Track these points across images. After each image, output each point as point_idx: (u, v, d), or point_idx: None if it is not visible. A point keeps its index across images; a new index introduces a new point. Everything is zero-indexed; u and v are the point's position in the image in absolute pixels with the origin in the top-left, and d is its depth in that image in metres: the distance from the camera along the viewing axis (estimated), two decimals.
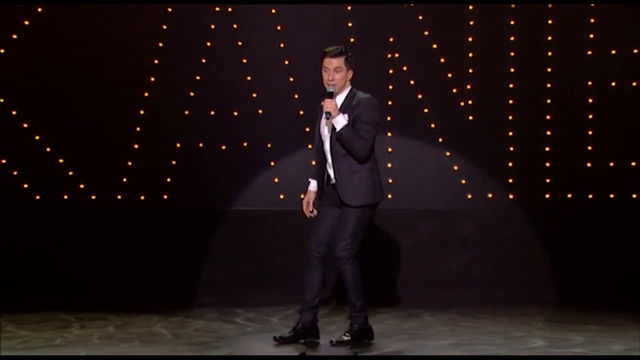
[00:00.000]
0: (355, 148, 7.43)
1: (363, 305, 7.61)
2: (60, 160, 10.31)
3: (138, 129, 10.35)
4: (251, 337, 8.06)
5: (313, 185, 7.77)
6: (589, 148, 10.25)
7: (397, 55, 10.39)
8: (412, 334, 8.07)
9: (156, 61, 10.36)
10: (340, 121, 7.43)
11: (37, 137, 10.28)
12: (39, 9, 10.21)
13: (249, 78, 10.37)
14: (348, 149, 7.44)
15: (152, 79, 10.35)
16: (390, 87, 10.40)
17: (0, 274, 10.04)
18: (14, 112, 10.27)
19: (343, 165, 7.47)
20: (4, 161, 10.26)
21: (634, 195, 10.15)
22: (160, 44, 10.36)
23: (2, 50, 10.22)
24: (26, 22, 10.23)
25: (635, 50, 10.16)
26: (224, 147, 10.40)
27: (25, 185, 10.30)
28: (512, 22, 10.36)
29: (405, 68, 10.38)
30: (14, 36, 10.23)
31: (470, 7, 10.33)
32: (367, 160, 7.49)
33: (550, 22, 10.30)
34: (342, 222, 7.49)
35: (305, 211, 7.74)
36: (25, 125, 10.27)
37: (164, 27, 10.36)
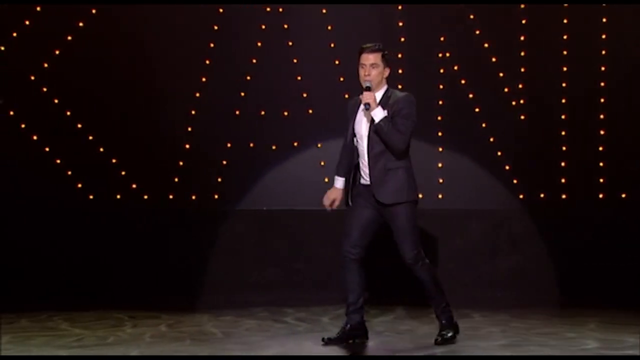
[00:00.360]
0: (394, 140, 7.41)
1: (446, 303, 7.63)
2: (114, 161, 10.43)
3: (189, 129, 10.43)
4: (301, 336, 8.08)
5: (340, 183, 7.70)
6: None
7: (447, 54, 10.34)
8: (462, 334, 8.00)
9: (207, 61, 10.42)
10: (379, 113, 7.43)
11: (90, 138, 10.40)
12: (93, 10, 10.33)
13: (299, 78, 10.40)
14: (387, 141, 7.42)
15: (204, 79, 10.42)
16: (441, 86, 10.36)
17: (55, 273, 10.18)
18: (68, 113, 10.40)
19: (379, 164, 7.44)
20: (58, 161, 10.39)
21: None
22: (212, 45, 10.42)
23: (58, 52, 10.35)
24: (80, 24, 10.35)
25: None
26: (274, 147, 10.44)
27: (79, 185, 10.42)
28: (564, 21, 10.26)
29: (456, 67, 10.33)
30: (69, 37, 10.36)
31: (522, 6, 10.25)
32: (403, 156, 7.48)
33: (604, 20, 10.19)
34: (395, 227, 7.48)
35: (326, 205, 7.70)
36: (79, 126, 10.40)
37: (215, 27, 10.42)
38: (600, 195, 10.22)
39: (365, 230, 7.55)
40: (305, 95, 10.38)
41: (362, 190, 7.56)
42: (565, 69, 10.27)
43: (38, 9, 10.28)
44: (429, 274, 7.56)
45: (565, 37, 10.28)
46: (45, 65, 10.34)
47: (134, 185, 10.45)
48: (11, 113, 10.34)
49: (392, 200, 7.44)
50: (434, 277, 7.59)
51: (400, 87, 10.22)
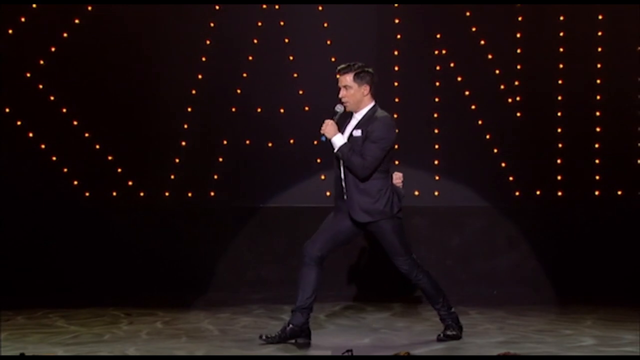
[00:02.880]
0: (354, 168, 7.33)
1: (449, 308, 7.62)
2: (110, 158, 10.41)
3: (185, 126, 10.43)
4: None
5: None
6: None
7: (444, 52, 10.35)
8: None
9: (203, 59, 10.41)
10: (338, 141, 7.37)
11: (86, 135, 10.39)
12: (89, 8, 10.31)
13: (295, 75, 10.39)
14: (348, 168, 7.37)
15: (200, 76, 10.41)
16: (438, 83, 10.36)
17: (51, 270, 10.17)
18: (64, 110, 10.38)
19: (352, 182, 7.39)
20: (54, 159, 10.38)
21: None
22: (208, 42, 10.42)
23: (53, 49, 10.34)
24: (76, 21, 10.34)
25: None
26: (270, 144, 10.43)
27: (75, 183, 10.41)
28: (560, 18, 10.27)
29: (452, 65, 10.33)
30: (65, 35, 10.34)
31: (518, 5, 10.26)
32: (368, 179, 7.34)
33: (600, 17, 10.19)
34: (383, 242, 7.47)
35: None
36: (75, 123, 10.38)
37: (212, 24, 10.41)
38: (596, 193, 10.24)
39: (334, 238, 7.50)
40: (301, 92, 10.38)
41: (342, 206, 7.50)
42: (561, 66, 10.29)
43: (34, 6, 10.26)
44: (426, 281, 7.55)
45: (561, 34, 10.29)
46: (41, 62, 10.33)
47: (130, 183, 10.44)
48: (7, 110, 10.32)
49: (365, 219, 7.40)
50: (431, 282, 7.58)
51: (396, 84, 10.31)
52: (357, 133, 7.39)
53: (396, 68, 10.37)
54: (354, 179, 7.37)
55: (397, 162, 10.04)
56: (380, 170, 7.37)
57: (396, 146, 9.99)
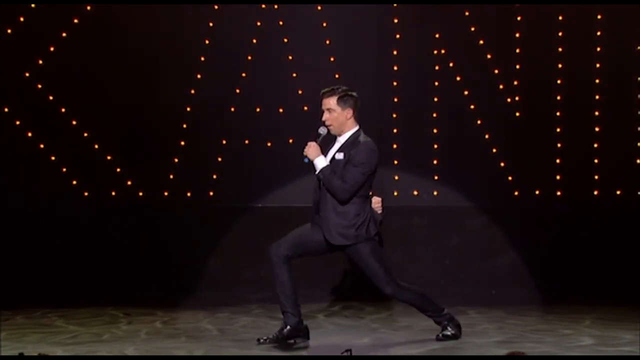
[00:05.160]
0: (334, 190, 7.33)
1: (440, 311, 7.62)
2: (109, 157, 10.41)
3: (184, 125, 10.42)
4: None
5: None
6: (639, 145, 10.14)
7: (443, 51, 10.34)
8: None
9: (202, 58, 10.41)
10: (320, 163, 7.39)
11: (85, 135, 10.39)
12: (88, 7, 10.30)
13: (294, 75, 10.39)
14: (328, 190, 7.37)
15: (199, 76, 10.41)
16: (436, 83, 10.36)
17: (50, 270, 10.16)
18: (63, 110, 10.38)
19: (329, 203, 7.39)
20: (53, 158, 10.37)
21: None
22: (207, 41, 10.41)
23: (52, 49, 10.33)
24: (75, 21, 10.33)
25: None
26: (269, 144, 10.43)
27: (74, 182, 10.41)
28: (559, 18, 10.27)
29: (451, 64, 10.33)
30: (64, 34, 10.34)
31: (517, 5, 10.26)
32: (347, 202, 7.34)
33: (599, 17, 10.19)
34: (362, 266, 7.46)
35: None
36: (74, 123, 10.38)
37: (211, 24, 10.41)
38: (595, 192, 10.24)
39: (302, 244, 7.49)
40: (300, 92, 10.37)
41: (319, 222, 7.48)
42: (560, 66, 10.28)
43: (33, 6, 10.25)
44: (411, 296, 7.57)
45: (560, 34, 10.28)
46: (40, 62, 10.32)
47: (129, 182, 10.44)
48: (6, 110, 10.32)
49: (339, 242, 7.40)
50: (416, 295, 7.58)
51: (395, 84, 10.31)
52: (340, 156, 7.40)
53: (395, 68, 10.37)
54: (333, 201, 7.38)
55: (396, 162, 10.08)
56: (359, 195, 7.38)
57: (395, 146, 10.12)
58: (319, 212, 7.46)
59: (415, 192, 10.27)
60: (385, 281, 7.46)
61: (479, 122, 10.32)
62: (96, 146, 10.40)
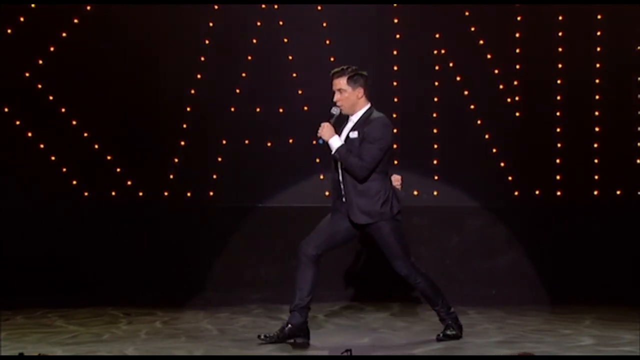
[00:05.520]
0: (352, 168, 7.34)
1: (448, 308, 7.62)
2: (109, 157, 10.41)
3: (184, 125, 10.42)
4: None
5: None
6: (639, 145, 10.14)
7: (443, 51, 10.34)
8: None
9: (202, 58, 10.41)
10: (335, 143, 7.38)
11: (85, 134, 10.39)
12: (88, 7, 10.30)
13: (294, 75, 10.39)
14: (346, 170, 7.38)
15: (199, 76, 10.41)
16: (437, 83, 10.36)
17: (50, 270, 10.16)
18: (63, 110, 10.38)
19: (350, 184, 7.39)
20: (53, 158, 10.38)
21: None
22: (207, 41, 10.41)
23: (52, 49, 10.33)
24: (75, 21, 10.33)
25: None
26: (269, 144, 10.43)
27: (74, 182, 10.41)
28: (559, 18, 10.27)
29: (451, 64, 10.33)
30: (64, 34, 10.34)
31: (517, 5, 10.26)
32: (366, 180, 7.35)
33: (599, 17, 10.19)
34: (382, 244, 7.46)
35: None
36: (74, 123, 10.38)
37: (210, 24, 10.41)
38: (595, 192, 10.24)
39: (331, 239, 7.50)
40: (300, 92, 10.37)
41: (341, 207, 7.50)
42: (560, 66, 10.28)
43: (33, 6, 10.25)
44: (425, 284, 7.56)
45: (560, 34, 10.28)
46: (40, 62, 10.32)
47: (129, 182, 10.44)
48: (6, 110, 10.32)
49: (363, 220, 7.40)
50: (430, 284, 7.58)
51: (395, 84, 10.31)
52: (354, 135, 7.40)
53: (395, 68, 10.37)
54: (353, 181, 7.38)
55: (396, 162, 10.05)
56: (378, 172, 7.38)
57: (395, 146, 10.08)
58: (341, 196, 7.44)
59: (415, 192, 10.27)
60: (402, 261, 7.46)
61: (479, 122, 10.32)
62: (96, 146, 10.40)
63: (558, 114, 10.30)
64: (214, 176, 10.46)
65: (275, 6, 10.38)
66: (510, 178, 10.32)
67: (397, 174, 7.62)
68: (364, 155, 7.32)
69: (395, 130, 10.16)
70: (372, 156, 7.32)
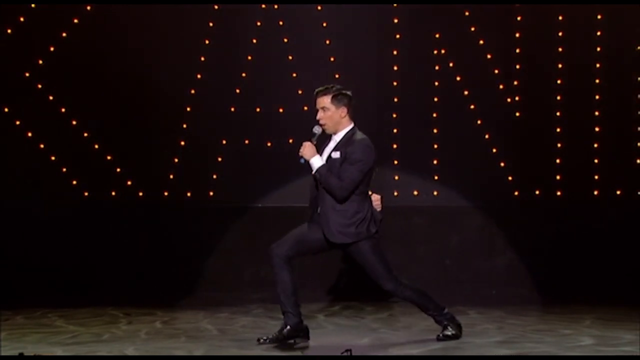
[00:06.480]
0: (331, 189, 7.31)
1: (441, 310, 7.61)
2: (109, 157, 10.41)
3: (184, 125, 10.43)
4: None
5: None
6: (639, 145, 10.14)
7: (443, 51, 10.34)
8: None
9: (202, 58, 10.41)
10: (316, 163, 7.37)
11: (85, 134, 10.39)
12: (88, 7, 10.31)
13: (294, 75, 10.39)
14: (326, 189, 7.36)
15: (199, 76, 10.41)
16: (437, 83, 10.36)
17: (50, 270, 10.16)
18: (63, 110, 10.38)
19: (327, 201, 7.37)
20: (53, 158, 10.38)
21: None
22: (207, 41, 10.41)
23: (52, 49, 10.33)
24: (75, 21, 10.34)
25: None
26: (269, 144, 10.44)
27: (74, 182, 10.41)
28: (559, 18, 10.27)
29: (451, 64, 10.33)
30: (64, 34, 10.34)
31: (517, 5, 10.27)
32: (345, 201, 7.32)
33: (599, 17, 10.20)
34: (363, 263, 7.45)
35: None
36: (74, 123, 10.38)
37: (211, 24, 10.41)
38: (595, 192, 10.24)
39: (303, 244, 7.48)
40: (300, 92, 10.37)
41: (319, 220, 7.46)
42: (560, 66, 10.29)
43: (33, 6, 10.26)
44: (411, 293, 7.56)
45: (560, 34, 10.29)
46: (40, 62, 10.32)
47: (129, 182, 10.44)
48: (6, 110, 10.32)
49: (339, 240, 7.39)
50: (417, 293, 7.57)
51: (395, 84, 10.31)
52: (336, 155, 7.39)
53: (395, 68, 10.37)
54: (332, 200, 7.37)
55: (396, 162, 10.08)
56: (358, 193, 7.37)
57: (395, 145, 10.12)
58: (318, 211, 7.45)
59: (415, 192, 10.27)
60: (386, 278, 7.46)
61: (479, 122, 10.32)
62: (96, 146, 10.41)
63: (558, 114, 10.31)
64: (214, 176, 10.46)
65: (275, 6, 10.38)
66: (510, 178, 10.32)
67: (376, 194, 7.60)
68: (344, 177, 7.30)
69: (395, 130, 10.28)
70: (352, 178, 7.30)
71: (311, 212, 7.56)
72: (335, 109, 7.42)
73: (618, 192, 10.18)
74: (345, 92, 7.46)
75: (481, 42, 10.29)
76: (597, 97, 10.24)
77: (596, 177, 10.25)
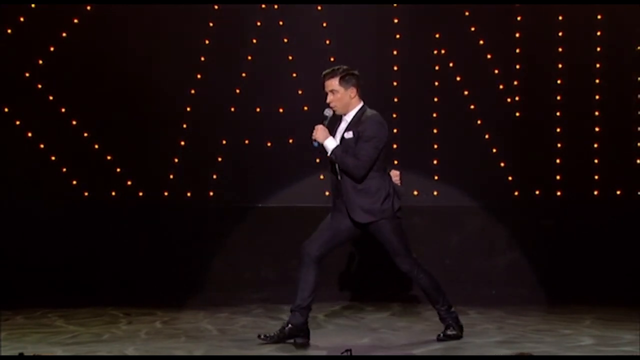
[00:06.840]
0: (349, 169, 7.35)
1: (449, 307, 7.62)
2: (109, 157, 10.41)
3: (184, 125, 10.43)
4: None
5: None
6: (639, 145, 10.14)
7: (443, 51, 10.34)
8: None
9: (202, 58, 10.41)
10: (330, 145, 7.40)
11: (85, 135, 10.39)
12: (88, 7, 10.31)
13: (294, 75, 10.39)
14: (343, 170, 7.39)
15: (199, 76, 10.41)
16: (437, 83, 10.36)
17: (50, 270, 10.16)
18: (63, 110, 10.38)
19: (348, 184, 7.40)
20: (53, 158, 10.38)
21: None
22: (207, 41, 10.41)
23: (52, 49, 10.33)
24: (75, 21, 10.34)
25: None
26: (269, 144, 10.44)
27: (74, 182, 10.41)
28: (559, 18, 10.27)
29: (451, 64, 10.33)
30: (64, 34, 10.34)
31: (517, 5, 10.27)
32: (364, 179, 7.35)
33: (599, 17, 10.20)
34: (384, 241, 7.47)
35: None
36: (74, 123, 10.38)
37: (211, 24, 10.41)
38: (595, 192, 10.24)
39: (333, 238, 7.51)
40: (300, 92, 10.37)
41: (341, 207, 7.49)
42: (560, 66, 10.29)
43: (33, 6, 10.25)
44: (426, 280, 7.57)
45: (560, 34, 10.29)
46: (40, 62, 10.32)
47: (129, 182, 10.44)
48: (6, 110, 10.32)
49: (366, 219, 7.40)
50: (432, 281, 7.59)
51: (395, 84, 10.31)
52: (349, 135, 7.42)
53: (395, 68, 10.37)
54: (351, 181, 7.38)
55: (396, 162, 10.06)
56: (376, 169, 7.39)
57: (395, 145, 10.12)
58: (340, 195, 7.45)
59: (415, 192, 10.27)
60: (404, 259, 7.47)
61: (479, 122, 10.32)
62: (96, 146, 10.40)
63: (558, 114, 10.30)
64: (214, 176, 10.46)
65: (275, 6, 10.38)
66: (510, 178, 10.32)
67: (395, 170, 7.62)
68: (360, 155, 7.32)
69: (395, 130, 10.28)
70: (368, 155, 7.33)
71: (334, 199, 7.56)
72: (344, 91, 7.45)
73: (618, 192, 10.18)
74: (353, 72, 7.50)
75: (481, 42, 10.29)
76: (597, 97, 10.23)
77: (596, 177, 10.24)
